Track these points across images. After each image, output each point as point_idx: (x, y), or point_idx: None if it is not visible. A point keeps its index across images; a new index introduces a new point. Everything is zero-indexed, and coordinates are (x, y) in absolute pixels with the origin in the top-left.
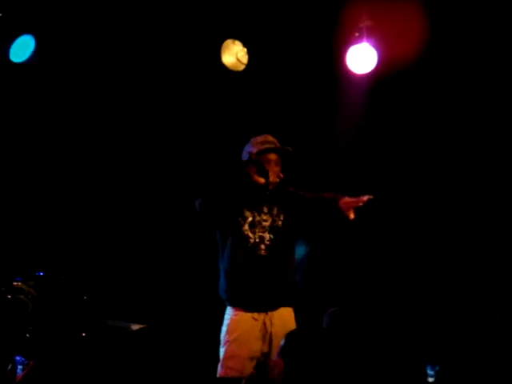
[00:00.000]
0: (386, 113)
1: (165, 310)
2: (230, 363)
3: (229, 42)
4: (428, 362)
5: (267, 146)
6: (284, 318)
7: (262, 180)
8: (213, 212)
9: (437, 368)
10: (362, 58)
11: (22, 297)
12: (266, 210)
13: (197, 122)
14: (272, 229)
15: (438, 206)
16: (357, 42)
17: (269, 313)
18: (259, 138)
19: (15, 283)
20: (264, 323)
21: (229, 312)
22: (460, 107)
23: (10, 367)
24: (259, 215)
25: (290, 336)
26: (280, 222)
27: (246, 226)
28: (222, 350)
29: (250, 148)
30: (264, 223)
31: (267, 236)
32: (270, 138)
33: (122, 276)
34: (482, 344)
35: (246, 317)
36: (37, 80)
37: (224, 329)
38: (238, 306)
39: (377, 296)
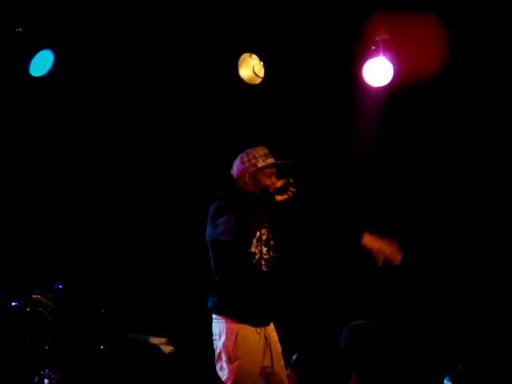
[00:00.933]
0: (402, 126)
1: (185, 324)
2: (245, 379)
3: (246, 55)
4: (446, 373)
5: (271, 160)
6: (274, 332)
7: (281, 198)
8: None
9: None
10: (378, 72)
11: (40, 309)
12: (265, 223)
13: (213, 135)
14: (267, 243)
15: (453, 216)
16: (373, 56)
17: (266, 327)
18: (260, 151)
19: (34, 296)
20: (265, 337)
21: (232, 327)
22: (475, 122)
23: (36, 380)
24: (260, 230)
25: (302, 351)
26: (271, 235)
27: (254, 242)
28: (229, 366)
29: (253, 161)
30: (263, 237)
31: (264, 250)
32: (267, 151)
33: (140, 289)
34: (498, 356)
35: (252, 331)
36: (56, 93)
37: (227, 344)
38: (244, 321)
39: (390, 310)
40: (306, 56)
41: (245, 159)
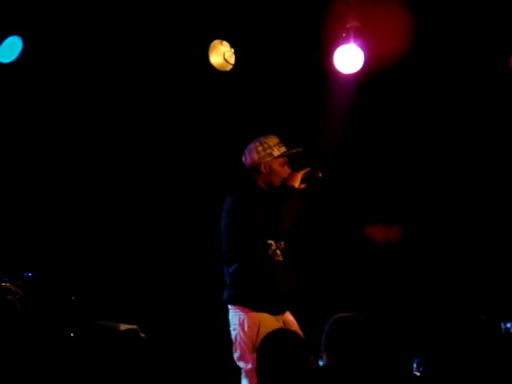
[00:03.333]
0: (374, 112)
1: (154, 311)
2: None
3: (216, 42)
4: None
5: (284, 149)
6: (291, 316)
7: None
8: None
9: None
10: (349, 58)
11: (10, 297)
12: None
13: (184, 122)
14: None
15: (427, 200)
16: (344, 43)
17: (282, 315)
18: (273, 140)
19: (3, 284)
20: (283, 323)
21: (253, 316)
22: (445, 104)
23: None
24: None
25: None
26: None
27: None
28: (253, 356)
29: (268, 150)
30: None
31: (280, 241)
32: (279, 139)
33: (110, 276)
34: (466, 341)
35: (272, 319)
36: (25, 80)
37: (250, 334)
38: (263, 310)
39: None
40: (277, 43)
41: (260, 148)
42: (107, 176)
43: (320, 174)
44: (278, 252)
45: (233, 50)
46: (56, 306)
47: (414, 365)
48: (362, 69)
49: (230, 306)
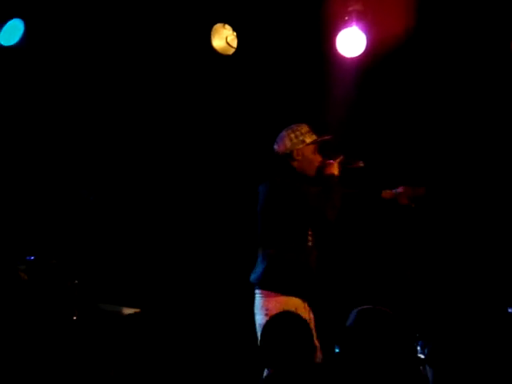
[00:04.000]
0: (377, 95)
1: (158, 294)
2: None
3: (218, 25)
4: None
5: (315, 136)
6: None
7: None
8: None
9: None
10: (351, 42)
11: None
12: None
13: (187, 106)
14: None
15: (428, 187)
16: (346, 26)
17: (307, 303)
18: (304, 128)
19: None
20: (306, 307)
21: (279, 300)
22: (449, 89)
23: None
24: None
25: None
26: None
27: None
28: None
29: (301, 137)
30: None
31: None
32: (309, 127)
33: (113, 259)
34: (473, 325)
35: (300, 301)
36: (26, 64)
37: None
38: (291, 293)
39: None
40: (280, 27)
41: (292, 135)
42: (109, 159)
43: (361, 164)
44: (310, 238)
45: (235, 34)
46: (59, 290)
47: (419, 347)
48: (364, 52)
49: (258, 291)
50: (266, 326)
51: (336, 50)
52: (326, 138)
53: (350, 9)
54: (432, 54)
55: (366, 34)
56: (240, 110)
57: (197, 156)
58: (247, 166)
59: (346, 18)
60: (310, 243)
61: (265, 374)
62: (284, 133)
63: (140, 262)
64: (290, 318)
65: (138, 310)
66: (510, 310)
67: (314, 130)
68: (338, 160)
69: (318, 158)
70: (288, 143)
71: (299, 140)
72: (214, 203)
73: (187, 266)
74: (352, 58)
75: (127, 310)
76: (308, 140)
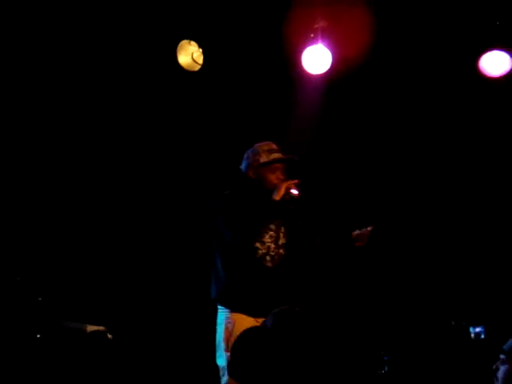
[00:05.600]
0: (342, 112)
1: (123, 312)
2: None
3: (184, 42)
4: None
5: (275, 155)
6: None
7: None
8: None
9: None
10: (317, 59)
11: None
12: (275, 221)
13: (152, 123)
14: (277, 240)
15: (394, 203)
16: (312, 43)
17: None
18: (265, 146)
19: None
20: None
21: (229, 316)
22: (413, 104)
23: None
24: (268, 226)
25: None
26: (283, 233)
27: (258, 238)
28: (227, 354)
29: (257, 156)
30: (271, 233)
31: (272, 247)
32: (275, 146)
33: (78, 276)
34: (435, 345)
35: (250, 320)
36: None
37: (225, 333)
38: (241, 311)
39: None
40: (246, 43)
41: (250, 154)
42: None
43: (296, 193)
44: (268, 258)
45: (201, 50)
46: (22, 307)
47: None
48: (330, 69)
49: (218, 306)
50: (234, 345)
51: (302, 67)
52: (284, 157)
53: (316, 26)
54: (397, 70)
55: (331, 51)
56: (205, 127)
57: (158, 176)
58: (209, 182)
59: (312, 35)
60: (268, 263)
61: None
62: (247, 151)
63: (105, 279)
64: (258, 335)
65: (102, 328)
66: (472, 331)
67: (279, 148)
68: (286, 183)
69: (274, 178)
70: (245, 162)
71: (255, 159)
72: (184, 219)
73: (153, 283)
74: (318, 75)
75: (91, 328)
76: (263, 159)
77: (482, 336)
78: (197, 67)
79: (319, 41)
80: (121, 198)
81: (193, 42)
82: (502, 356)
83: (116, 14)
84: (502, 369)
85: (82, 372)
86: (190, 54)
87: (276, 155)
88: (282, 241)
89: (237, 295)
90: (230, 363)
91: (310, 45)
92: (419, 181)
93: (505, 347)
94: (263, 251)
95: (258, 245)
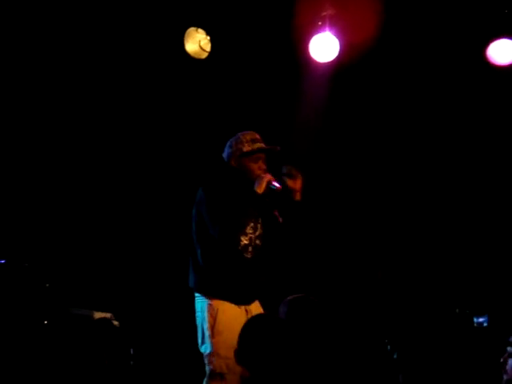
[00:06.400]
0: (349, 100)
1: (130, 299)
2: (227, 353)
3: (192, 29)
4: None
5: (259, 145)
6: (258, 308)
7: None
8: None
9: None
10: (324, 47)
11: None
12: (255, 212)
13: (159, 111)
14: (255, 231)
15: (397, 190)
16: (319, 31)
17: (249, 305)
18: (248, 136)
19: None
20: (246, 311)
21: (213, 303)
22: (421, 93)
23: None
24: (249, 218)
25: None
26: (260, 225)
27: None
28: (212, 341)
29: (239, 145)
30: (251, 224)
31: (253, 238)
32: (258, 136)
33: (85, 263)
34: (439, 333)
35: (232, 306)
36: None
37: (209, 320)
38: (223, 298)
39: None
40: (253, 31)
41: (233, 143)
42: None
43: (278, 185)
44: (250, 249)
45: (208, 38)
46: (30, 293)
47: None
48: (337, 57)
49: (195, 294)
50: (244, 329)
51: (309, 54)
52: (266, 147)
53: (323, 14)
54: (405, 57)
55: (339, 38)
56: (213, 114)
57: (166, 160)
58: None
59: (320, 23)
60: (248, 255)
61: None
62: (229, 140)
63: (112, 265)
64: (267, 321)
65: (109, 315)
66: (475, 320)
67: (262, 138)
68: (268, 176)
69: (257, 167)
70: (227, 150)
71: (237, 148)
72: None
73: (159, 270)
74: (325, 63)
75: (98, 314)
76: (246, 149)
77: (485, 325)
78: (204, 55)
79: (327, 28)
80: (128, 187)
81: (200, 30)
82: (509, 349)
83: (123, 1)
84: (510, 363)
85: (88, 358)
86: (197, 42)
87: (259, 145)
88: (259, 232)
89: (218, 283)
90: (238, 349)
91: (317, 33)
92: (426, 171)
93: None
94: (245, 242)
95: (241, 236)
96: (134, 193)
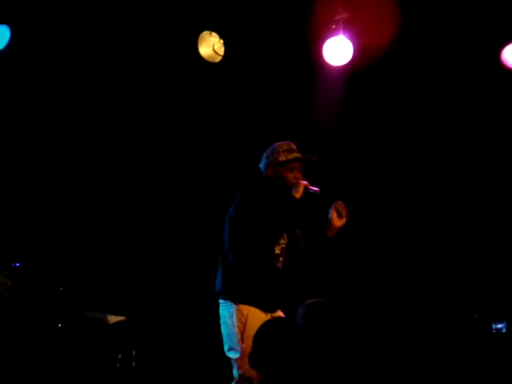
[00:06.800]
0: (363, 104)
1: (144, 302)
2: None
3: (205, 33)
4: None
5: (294, 155)
6: (281, 314)
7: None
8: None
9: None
10: (338, 50)
11: None
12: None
13: (173, 114)
14: (284, 241)
15: (418, 196)
16: (333, 35)
17: (274, 312)
18: (284, 146)
19: None
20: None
21: (239, 309)
22: (435, 96)
23: None
24: (283, 227)
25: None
26: (286, 235)
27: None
28: (242, 346)
29: (275, 155)
30: (284, 235)
31: (284, 248)
32: (294, 146)
33: (99, 267)
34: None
35: (260, 312)
36: (12, 70)
37: (238, 325)
38: (251, 304)
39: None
40: (267, 35)
41: (269, 153)
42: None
43: (317, 189)
44: (281, 259)
45: (222, 42)
46: (44, 297)
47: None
48: (351, 61)
49: (220, 300)
50: (258, 332)
51: (323, 58)
52: (302, 157)
53: (337, 17)
54: (418, 61)
55: (352, 42)
56: (227, 118)
57: (178, 164)
58: (228, 174)
59: (333, 26)
60: (279, 265)
61: None
62: (267, 149)
63: (126, 270)
64: (283, 324)
65: (123, 318)
66: (493, 326)
67: (298, 147)
68: (304, 182)
69: (292, 177)
70: (264, 160)
71: (274, 158)
72: (201, 215)
73: (173, 274)
74: (339, 67)
75: (113, 318)
76: (281, 159)
77: (504, 330)
78: (218, 58)
79: (341, 32)
80: (140, 189)
81: (214, 34)
82: None
83: (138, 5)
84: None
85: (101, 360)
86: (211, 46)
87: (295, 155)
88: (285, 241)
89: (248, 289)
90: (253, 353)
91: (331, 36)
92: (440, 174)
93: None
94: (277, 252)
95: (275, 245)
96: (145, 196)
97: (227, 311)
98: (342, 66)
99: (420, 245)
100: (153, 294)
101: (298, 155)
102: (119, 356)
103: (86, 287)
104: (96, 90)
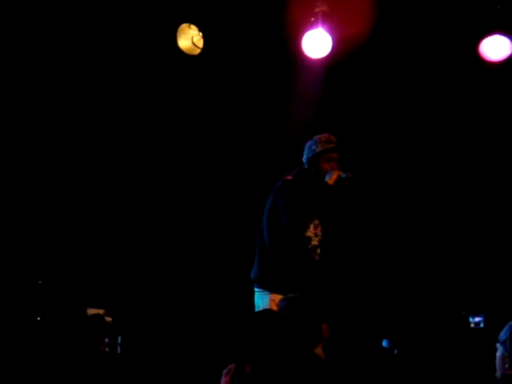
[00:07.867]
0: (342, 96)
1: (125, 295)
2: None
3: (184, 26)
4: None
5: (332, 145)
6: None
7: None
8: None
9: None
10: (317, 43)
11: None
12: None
13: (151, 106)
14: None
15: (393, 190)
16: (312, 27)
17: None
18: (323, 137)
19: None
20: None
21: (273, 298)
22: (414, 87)
23: None
24: (316, 217)
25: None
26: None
27: (311, 228)
28: None
29: (313, 147)
30: (323, 227)
31: (322, 242)
32: (333, 138)
33: (78, 260)
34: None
35: None
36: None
37: None
38: (284, 294)
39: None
40: (246, 27)
41: (309, 144)
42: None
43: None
44: (318, 251)
45: (201, 34)
46: (23, 290)
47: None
48: (330, 53)
49: (256, 289)
50: (246, 324)
51: (302, 50)
52: (337, 147)
53: (316, 10)
54: (398, 53)
55: (331, 35)
56: (205, 110)
57: (164, 159)
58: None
59: (312, 19)
60: (316, 256)
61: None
62: (307, 142)
63: (105, 262)
64: (270, 317)
65: (101, 311)
66: (471, 320)
67: (335, 140)
68: (337, 173)
69: (329, 167)
70: (305, 151)
71: (311, 149)
72: (186, 207)
73: (154, 267)
74: (318, 59)
75: (92, 311)
76: (318, 149)
77: (482, 325)
78: (197, 51)
79: (319, 25)
80: (133, 187)
81: (193, 26)
82: (497, 345)
83: None
84: (497, 355)
85: (82, 355)
86: (190, 38)
87: (331, 145)
88: (322, 233)
89: (282, 279)
90: (239, 345)
91: (310, 29)
92: (424, 170)
93: (500, 336)
94: (315, 244)
95: (310, 235)
96: (130, 187)
97: (261, 300)
98: (321, 59)
99: (400, 242)
100: (133, 286)
101: (334, 146)
102: (106, 340)
103: (64, 280)
104: (74, 85)
